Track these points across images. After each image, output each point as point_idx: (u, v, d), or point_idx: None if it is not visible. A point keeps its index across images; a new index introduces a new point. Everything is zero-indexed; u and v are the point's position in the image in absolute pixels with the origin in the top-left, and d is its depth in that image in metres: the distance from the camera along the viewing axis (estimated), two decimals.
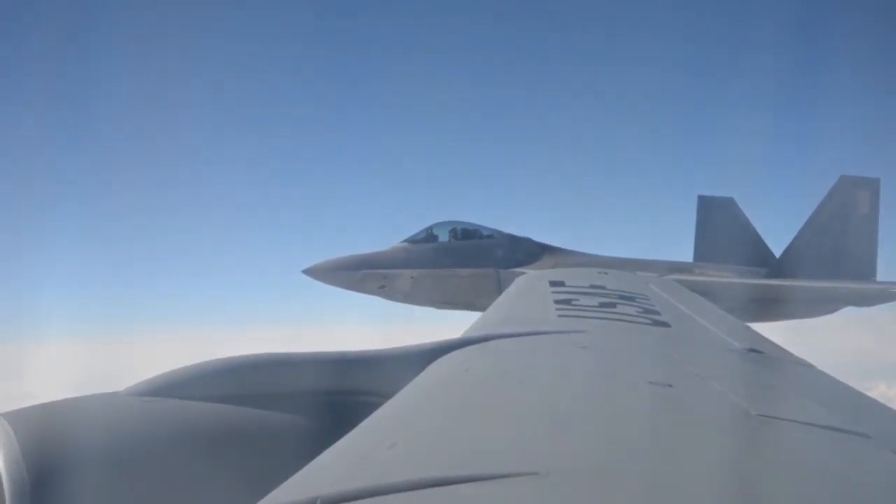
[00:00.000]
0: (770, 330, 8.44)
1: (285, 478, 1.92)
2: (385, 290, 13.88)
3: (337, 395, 3.07)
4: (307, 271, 14.02)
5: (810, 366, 4.02)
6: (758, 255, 15.37)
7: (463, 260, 13.93)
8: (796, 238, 15.26)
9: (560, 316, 5.04)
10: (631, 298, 6.19)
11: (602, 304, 5.69)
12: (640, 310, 5.60)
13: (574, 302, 5.71)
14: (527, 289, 7.77)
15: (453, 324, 12.48)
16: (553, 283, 7.11)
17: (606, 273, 9.15)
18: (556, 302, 5.68)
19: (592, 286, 6.99)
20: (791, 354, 4.36)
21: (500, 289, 10.78)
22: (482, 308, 6.72)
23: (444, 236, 14.35)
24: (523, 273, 10.77)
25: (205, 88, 28.19)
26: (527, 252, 14.16)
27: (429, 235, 14.33)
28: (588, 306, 5.53)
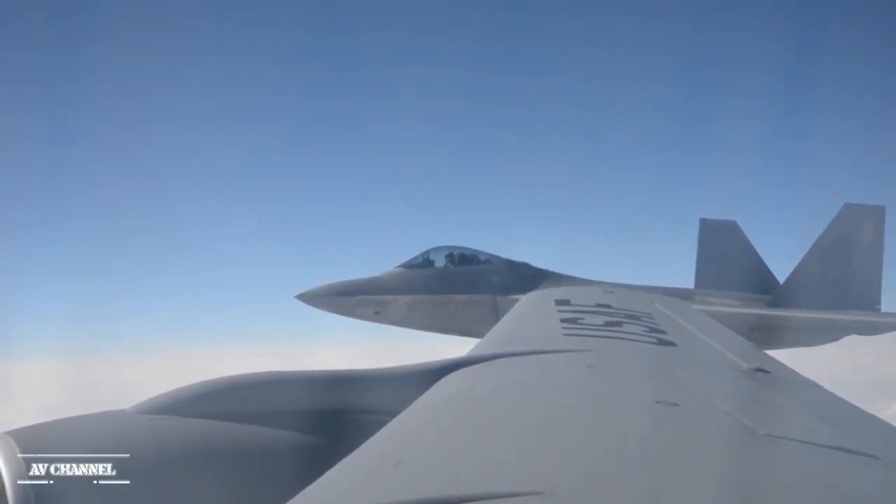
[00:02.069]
0: (775, 350, 8.38)
1: (292, 495, 1.92)
2: (380, 316, 13.74)
3: (343, 414, 3.06)
4: (300, 297, 13.86)
5: (817, 385, 4.00)
6: (761, 282, 15.17)
7: (459, 286, 13.76)
8: (799, 266, 15.09)
9: (566, 335, 5.03)
10: (636, 317, 6.18)
11: (608, 323, 5.68)
12: (645, 329, 5.60)
13: (580, 321, 5.72)
14: (533, 307, 7.76)
15: (459, 342, 12.38)
16: (559, 302, 7.11)
17: (612, 292, 9.07)
18: (563, 321, 5.67)
19: (598, 305, 6.98)
20: (798, 374, 4.34)
21: (497, 315, 10.68)
22: (479, 335, 6.67)
23: (440, 262, 14.04)
24: (520, 300, 10.71)
25: (204, 107, 28.28)
26: (525, 278, 13.95)
27: (425, 261, 14.06)
28: (594, 325, 5.53)
